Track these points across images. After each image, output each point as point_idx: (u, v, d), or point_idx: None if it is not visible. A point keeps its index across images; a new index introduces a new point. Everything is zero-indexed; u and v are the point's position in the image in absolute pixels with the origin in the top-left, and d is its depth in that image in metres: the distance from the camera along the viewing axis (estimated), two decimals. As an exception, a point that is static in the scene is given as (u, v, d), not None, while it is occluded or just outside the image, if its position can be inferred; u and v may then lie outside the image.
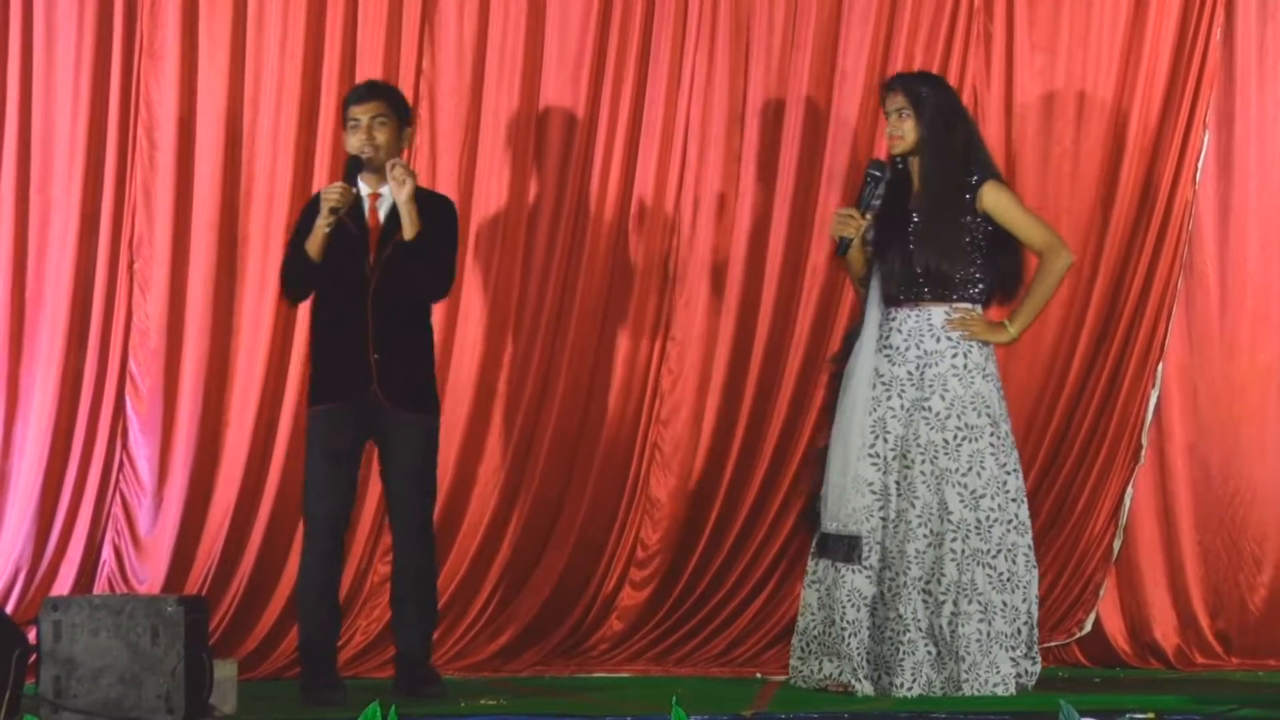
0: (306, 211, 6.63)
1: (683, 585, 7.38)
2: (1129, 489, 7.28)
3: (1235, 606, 7.28)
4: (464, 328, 7.38)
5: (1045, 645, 7.16)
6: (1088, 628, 7.24)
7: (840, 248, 6.54)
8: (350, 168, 6.49)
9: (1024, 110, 7.31)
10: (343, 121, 6.65)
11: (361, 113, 6.54)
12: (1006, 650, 6.43)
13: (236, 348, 7.36)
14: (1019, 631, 6.46)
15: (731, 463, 7.38)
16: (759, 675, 7.09)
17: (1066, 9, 7.30)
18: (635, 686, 6.95)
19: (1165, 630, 7.28)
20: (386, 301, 6.51)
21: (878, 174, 6.53)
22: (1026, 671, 6.49)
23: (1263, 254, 7.30)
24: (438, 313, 7.28)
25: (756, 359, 7.37)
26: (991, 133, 7.27)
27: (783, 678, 6.99)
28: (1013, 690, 6.41)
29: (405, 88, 7.32)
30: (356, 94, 6.64)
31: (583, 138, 7.38)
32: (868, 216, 6.51)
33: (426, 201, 6.64)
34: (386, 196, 6.57)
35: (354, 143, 6.54)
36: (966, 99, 7.26)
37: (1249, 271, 7.30)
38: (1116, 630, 7.29)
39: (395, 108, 6.61)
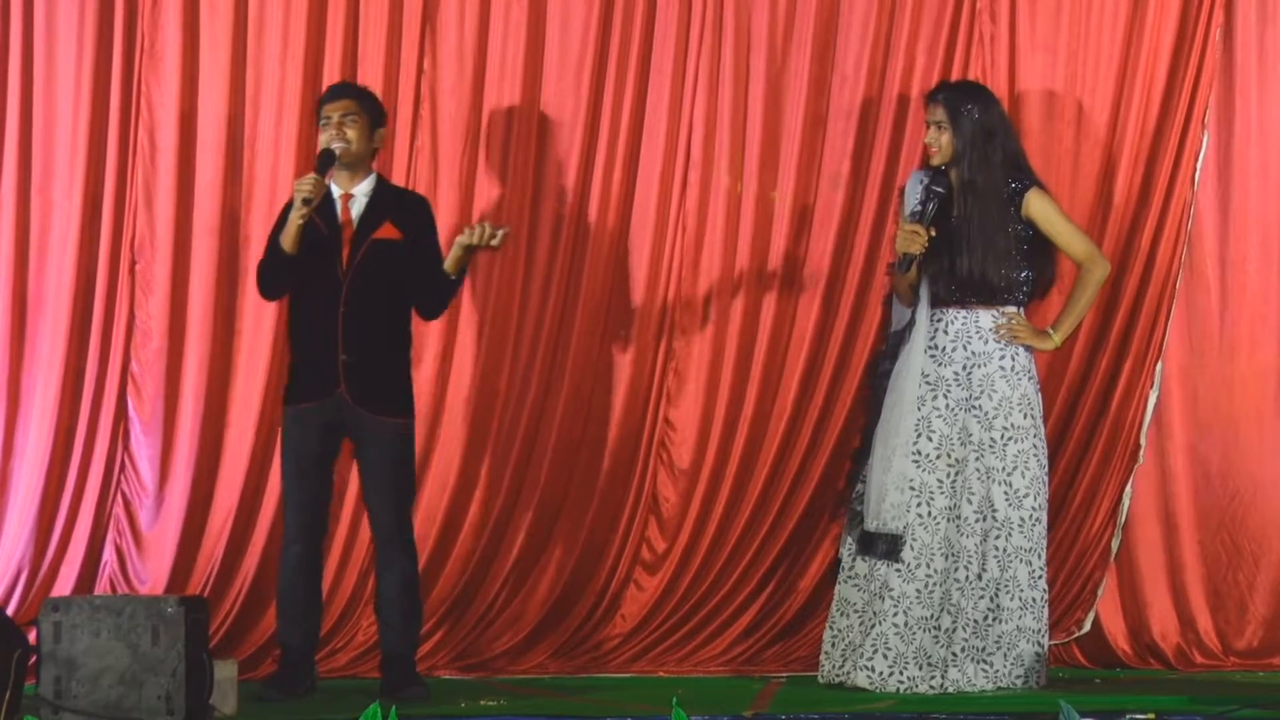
0: (287, 208, 6.66)
1: (686, 586, 7.38)
2: (1128, 488, 7.29)
3: (1235, 606, 7.28)
4: (466, 329, 7.38)
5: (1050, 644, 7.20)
6: (1086, 627, 7.25)
7: (904, 264, 6.63)
8: (322, 160, 6.53)
9: (1024, 110, 7.30)
10: (316, 121, 6.70)
11: (333, 110, 6.61)
12: (1034, 645, 6.59)
13: (238, 348, 7.36)
14: (1044, 629, 6.63)
15: (735, 464, 7.38)
16: (766, 676, 7.10)
17: (1066, 10, 7.30)
18: (636, 687, 6.95)
19: (1165, 631, 7.28)
20: (359, 303, 6.54)
21: (941, 191, 6.61)
22: (1045, 669, 6.65)
23: (1262, 254, 7.30)
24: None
25: (759, 360, 7.37)
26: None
27: (785, 675, 7.01)
28: (1033, 685, 6.55)
29: (406, 89, 7.35)
30: (330, 92, 6.72)
31: (584, 139, 7.38)
32: (933, 231, 6.56)
33: (414, 205, 6.71)
34: (359, 196, 6.62)
35: (323, 140, 6.60)
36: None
37: (1249, 272, 7.30)
38: (1117, 631, 7.30)
39: (367, 107, 6.66)
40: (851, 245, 7.35)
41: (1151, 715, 5.79)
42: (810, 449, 7.36)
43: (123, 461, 7.39)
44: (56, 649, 5.92)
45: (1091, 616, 7.25)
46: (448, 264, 6.58)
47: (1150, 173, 7.27)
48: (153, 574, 7.34)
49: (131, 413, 7.38)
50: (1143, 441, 7.29)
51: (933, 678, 6.53)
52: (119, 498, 7.38)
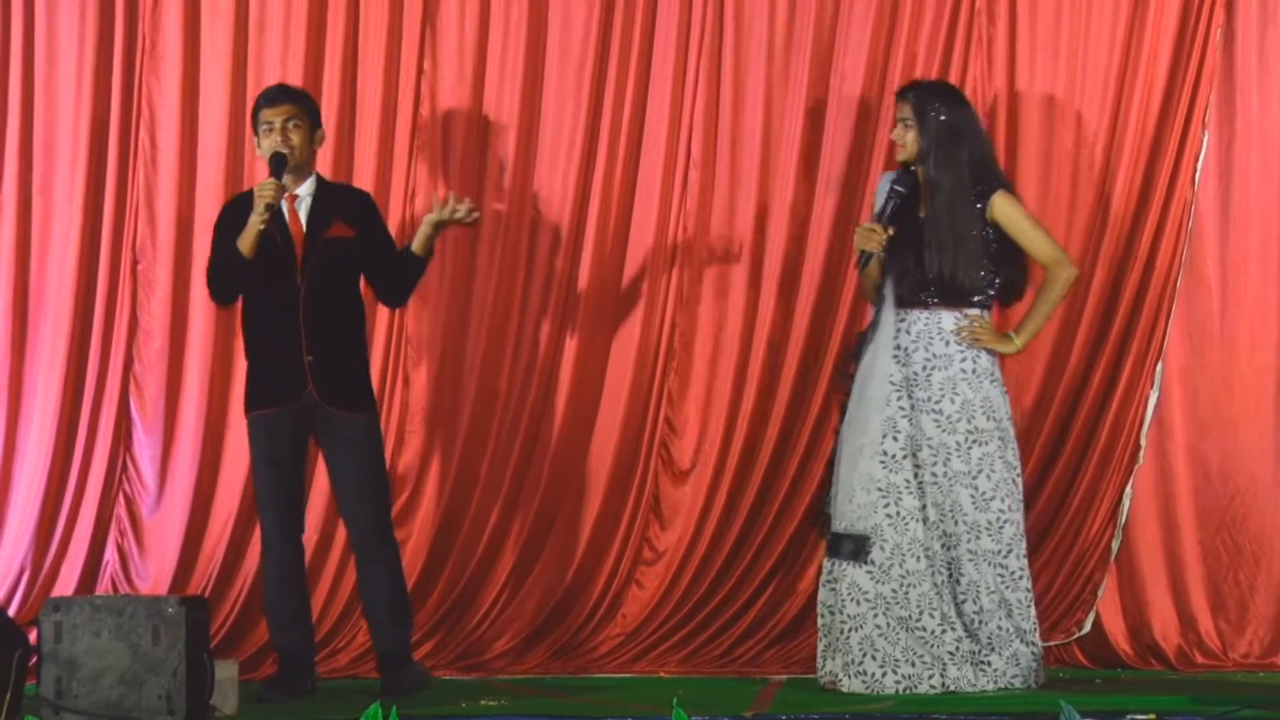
0: (226, 214, 6.66)
1: (685, 586, 7.38)
2: (1128, 489, 7.28)
3: (1236, 607, 7.27)
4: (467, 329, 7.38)
5: (1045, 645, 7.17)
6: (1086, 628, 7.24)
7: (862, 261, 6.63)
8: (276, 165, 6.51)
9: (1024, 111, 7.30)
10: (253, 126, 6.67)
11: (274, 115, 6.58)
12: (1027, 645, 6.56)
13: (239, 348, 7.34)
14: (1033, 628, 6.59)
15: (734, 464, 7.38)
16: (766, 677, 7.09)
17: (1066, 10, 7.29)
18: (637, 687, 6.95)
19: (1166, 631, 7.27)
20: (318, 303, 6.55)
21: (903, 190, 6.60)
22: (1042, 668, 6.62)
23: (1263, 254, 7.29)
24: (441, 311, 7.31)
25: (758, 360, 7.37)
26: (993, 134, 7.27)
27: (784, 677, 7.01)
28: (1032, 684, 6.53)
29: (406, 89, 7.36)
30: (268, 97, 6.66)
31: (585, 139, 7.38)
32: (890, 230, 6.55)
33: (358, 201, 6.76)
34: (303, 197, 6.63)
35: (268, 145, 6.56)
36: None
37: (1249, 272, 7.28)
38: (1117, 631, 7.28)
39: (307, 110, 6.66)
40: (850, 245, 7.34)
41: (1152, 715, 5.79)
42: (809, 449, 7.35)
43: (124, 461, 7.40)
44: (57, 649, 5.93)
45: (1092, 617, 7.24)
46: (416, 244, 6.61)
47: (1150, 173, 7.26)
48: (154, 574, 7.35)
49: (133, 412, 7.39)
50: (1143, 442, 7.28)
51: (931, 676, 6.51)
52: (120, 497, 7.40)
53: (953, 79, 7.24)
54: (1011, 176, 7.25)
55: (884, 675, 6.50)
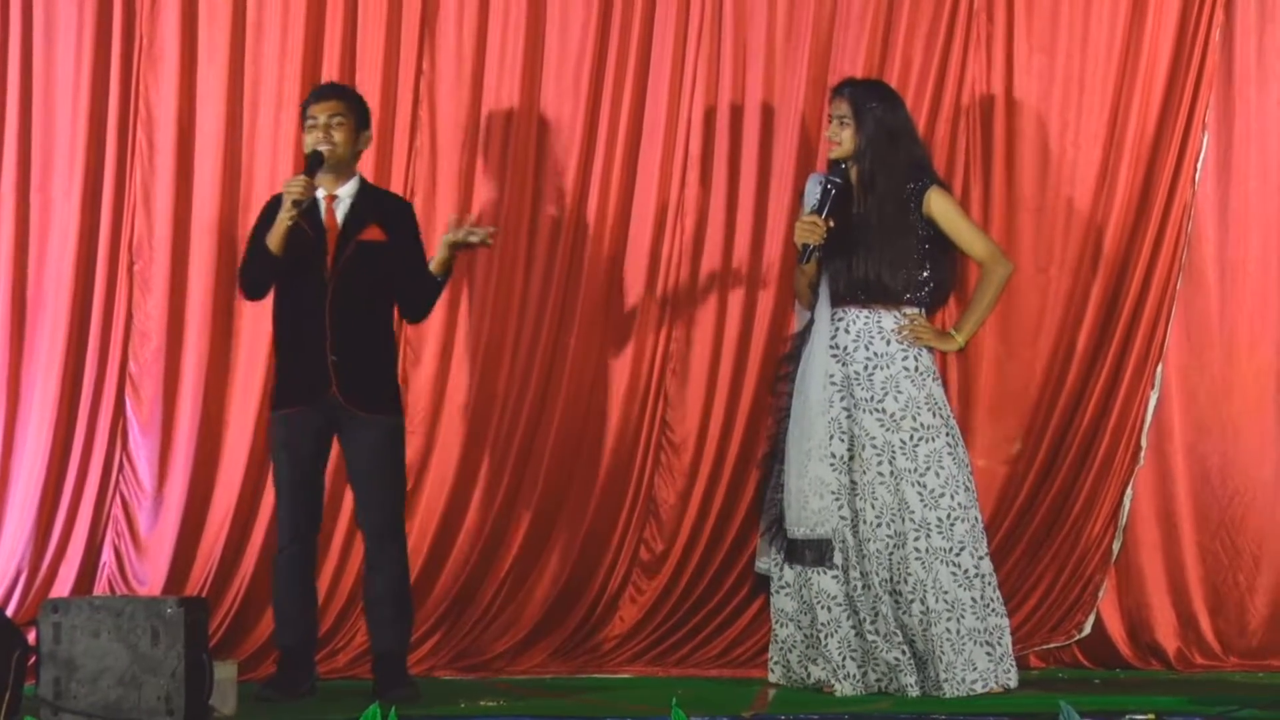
0: (268, 209, 6.65)
1: (684, 586, 7.38)
2: (1129, 490, 7.28)
3: (1235, 607, 7.27)
4: (465, 329, 7.38)
5: (1045, 647, 7.18)
6: (1087, 629, 7.23)
7: (805, 255, 6.59)
8: (311, 162, 6.51)
9: (1023, 112, 7.30)
10: (301, 121, 6.67)
11: (319, 111, 6.58)
12: (981, 646, 6.48)
13: (236, 348, 7.37)
14: (991, 628, 6.50)
15: (731, 464, 7.38)
16: (765, 677, 7.09)
17: (1065, 10, 7.30)
18: (636, 687, 6.95)
19: (1165, 631, 7.27)
20: (345, 303, 6.54)
21: (840, 181, 6.57)
22: (1006, 670, 6.52)
23: (1262, 255, 7.29)
24: (440, 313, 7.31)
25: (756, 360, 7.37)
26: (992, 134, 7.28)
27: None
28: (993, 687, 6.46)
29: (405, 89, 7.36)
30: (317, 94, 6.68)
31: (584, 138, 7.38)
32: (831, 222, 6.53)
33: (398, 209, 6.74)
34: (343, 198, 6.62)
35: (309, 141, 6.58)
36: (966, 101, 7.28)
37: (1248, 272, 7.28)
38: (1117, 631, 7.28)
39: (353, 109, 6.65)
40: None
41: (1151, 716, 5.79)
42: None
43: (121, 462, 7.40)
44: (56, 650, 5.92)
45: (1092, 619, 7.23)
46: (434, 264, 6.64)
47: (1151, 174, 7.26)
48: (151, 574, 7.35)
49: (130, 413, 7.39)
50: (1143, 443, 7.28)
51: (890, 682, 6.50)
52: (117, 498, 7.39)
53: (951, 79, 7.26)
54: (1010, 178, 7.27)
55: (865, 674, 6.49)
